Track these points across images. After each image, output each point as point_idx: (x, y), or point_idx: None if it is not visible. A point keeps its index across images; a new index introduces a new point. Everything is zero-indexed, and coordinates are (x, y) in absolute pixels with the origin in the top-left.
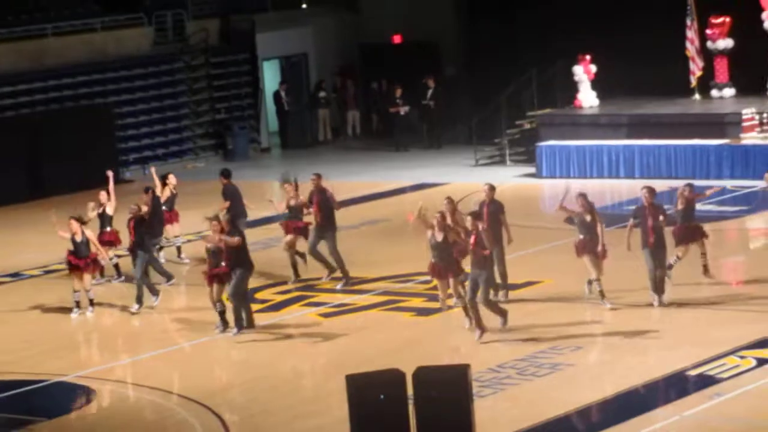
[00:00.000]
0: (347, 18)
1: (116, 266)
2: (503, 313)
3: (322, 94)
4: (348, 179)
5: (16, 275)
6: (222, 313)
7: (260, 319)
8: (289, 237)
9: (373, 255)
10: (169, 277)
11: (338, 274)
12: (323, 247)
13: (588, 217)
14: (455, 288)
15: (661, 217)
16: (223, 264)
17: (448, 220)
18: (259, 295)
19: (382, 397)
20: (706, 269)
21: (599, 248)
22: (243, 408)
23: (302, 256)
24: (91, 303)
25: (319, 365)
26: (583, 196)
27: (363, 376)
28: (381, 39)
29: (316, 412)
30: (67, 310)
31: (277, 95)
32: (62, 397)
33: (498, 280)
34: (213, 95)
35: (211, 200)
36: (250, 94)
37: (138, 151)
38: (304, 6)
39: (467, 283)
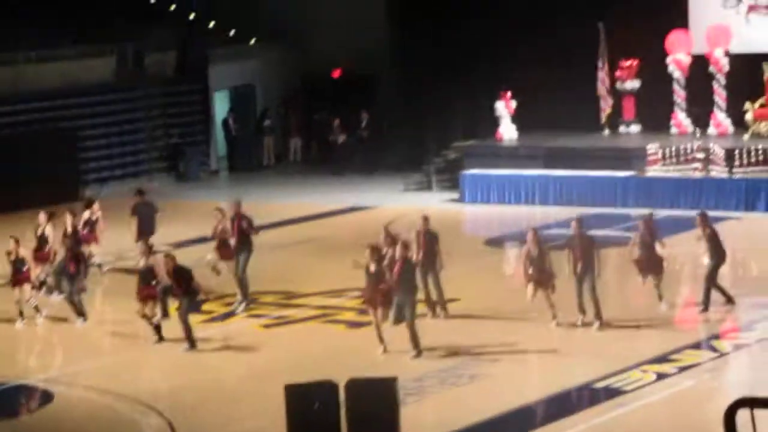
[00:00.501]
0: (291, 52)
1: (42, 283)
2: (417, 345)
3: (267, 122)
4: (288, 201)
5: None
6: (158, 327)
7: (206, 328)
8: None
9: (310, 271)
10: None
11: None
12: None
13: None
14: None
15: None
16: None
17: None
18: (205, 307)
19: (316, 406)
20: (661, 298)
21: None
22: (188, 410)
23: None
24: (37, 309)
25: (259, 372)
26: (533, 230)
27: (299, 386)
28: (322, 72)
29: (256, 415)
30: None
31: (225, 122)
32: (21, 399)
33: (435, 298)
34: (168, 121)
35: (161, 218)
36: (202, 121)
37: (97, 171)
38: (253, 41)
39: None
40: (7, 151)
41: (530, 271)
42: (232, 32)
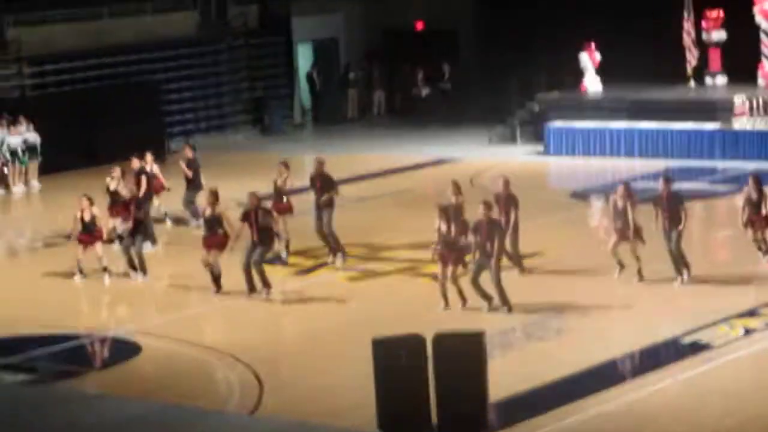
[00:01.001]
0: (374, 5)
1: (119, 236)
2: (508, 302)
3: (350, 75)
4: (373, 153)
5: (71, 237)
6: (217, 277)
7: (292, 281)
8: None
9: (395, 224)
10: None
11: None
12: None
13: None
14: (453, 273)
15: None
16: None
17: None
18: (291, 260)
19: (404, 359)
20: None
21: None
22: (274, 362)
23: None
24: (106, 270)
25: (345, 325)
26: (624, 184)
27: (386, 339)
28: (404, 25)
29: (343, 367)
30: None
31: (309, 76)
32: (110, 350)
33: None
34: (251, 74)
35: (245, 170)
36: (286, 74)
37: (182, 124)
38: None
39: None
40: (92, 105)
41: (617, 224)
42: None
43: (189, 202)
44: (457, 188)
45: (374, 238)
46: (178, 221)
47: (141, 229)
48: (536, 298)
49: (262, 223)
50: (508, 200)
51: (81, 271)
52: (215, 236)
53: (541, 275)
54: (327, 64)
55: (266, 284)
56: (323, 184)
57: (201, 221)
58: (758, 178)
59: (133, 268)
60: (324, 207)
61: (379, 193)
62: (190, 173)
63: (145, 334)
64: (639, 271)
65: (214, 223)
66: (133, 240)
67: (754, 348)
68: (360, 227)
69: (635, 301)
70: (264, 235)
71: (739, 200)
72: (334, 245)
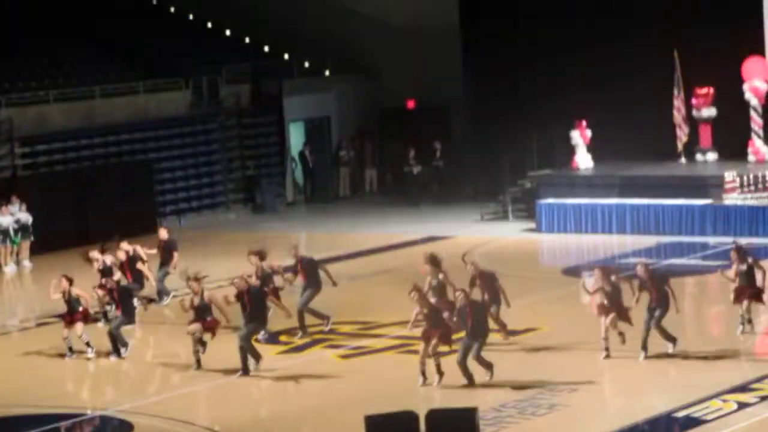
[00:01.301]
0: (366, 84)
1: (104, 315)
2: (490, 367)
3: (342, 153)
4: (365, 232)
5: (62, 316)
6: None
7: (284, 358)
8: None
9: (387, 301)
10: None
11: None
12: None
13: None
14: (435, 347)
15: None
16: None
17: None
18: (283, 338)
19: None
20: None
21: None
22: None
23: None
24: (88, 345)
25: (337, 403)
26: (600, 269)
27: (380, 416)
28: (396, 103)
29: None
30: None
31: (302, 154)
32: (102, 429)
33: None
34: (244, 153)
35: (236, 250)
36: (278, 152)
37: (174, 203)
38: (327, 73)
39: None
40: (84, 184)
41: (605, 303)
42: (306, 64)
43: (160, 280)
44: (435, 265)
45: (366, 315)
46: (151, 300)
47: (124, 310)
48: (528, 374)
49: (254, 301)
50: (484, 278)
51: (71, 350)
52: (204, 322)
53: (533, 352)
54: (319, 141)
55: (256, 356)
56: (306, 266)
57: (169, 299)
58: (741, 249)
59: (116, 347)
60: (307, 287)
61: (370, 271)
62: (160, 254)
63: (135, 414)
64: (622, 337)
65: (203, 311)
66: (117, 320)
67: (747, 423)
68: (352, 305)
69: (627, 377)
70: (256, 314)
71: (730, 274)
72: (300, 323)
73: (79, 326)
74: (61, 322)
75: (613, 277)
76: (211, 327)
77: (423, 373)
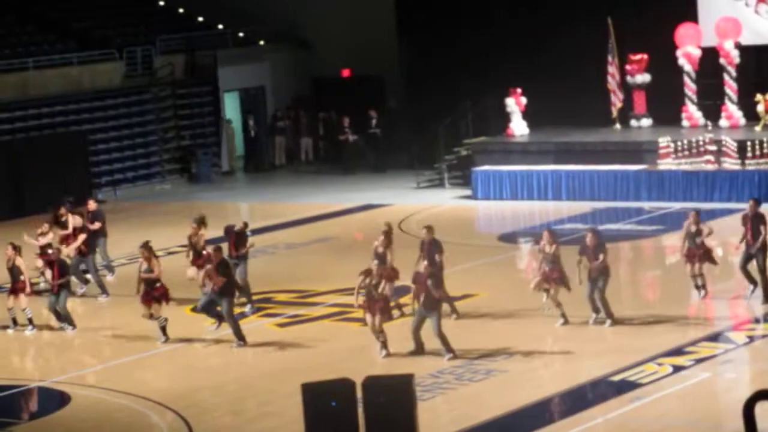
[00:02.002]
0: (301, 54)
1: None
2: (452, 349)
3: (279, 123)
4: (301, 201)
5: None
6: (164, 328)
7: (222, 328)
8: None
9: (324, 270)
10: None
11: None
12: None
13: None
14: (380, 324)
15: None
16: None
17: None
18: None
19: (334, 403)
20: (702, 288)
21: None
22: (206, 411)
23: None
24: (30, 321)
25: (275, 371)
26: (548, 231)
27: (317, 384)
28: (331, 73)
29: (273, 413)
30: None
31: (245, 123)
32: (40, 401)
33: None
34: (179, 123)
35: (173, 220)
36: (213, 122)
37: (110, 174)
38: (261, 43)
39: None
40: (19, 156)
41: (543, 268)
42: (241, 34)
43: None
44: (387, 237)
45: (303, 284)
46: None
47: (65, 284)
48: (465, 340)
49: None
50: (431, 246)
51: (14, 321)
52: (154, 290)
53: (470, 318)
54: (254, 111)
55: (242, 338)
56: (237, 239)
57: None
58: (698, 213)
59: (61, 320)
60: (240, 259)
61: (307, 240)
62: (93, 226)
63: (73, 384)
64: (563, 315)
65: (152, 280)
66: (57, 296)
67: (682, 385)
68: (289, 273)
69: (563, 343)
70: (225, 287)
71: (680, 235)
72: (246, 296)
73: (23, 299)
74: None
75: (554, 244)
76: (162, 295)
77: (381, 343)
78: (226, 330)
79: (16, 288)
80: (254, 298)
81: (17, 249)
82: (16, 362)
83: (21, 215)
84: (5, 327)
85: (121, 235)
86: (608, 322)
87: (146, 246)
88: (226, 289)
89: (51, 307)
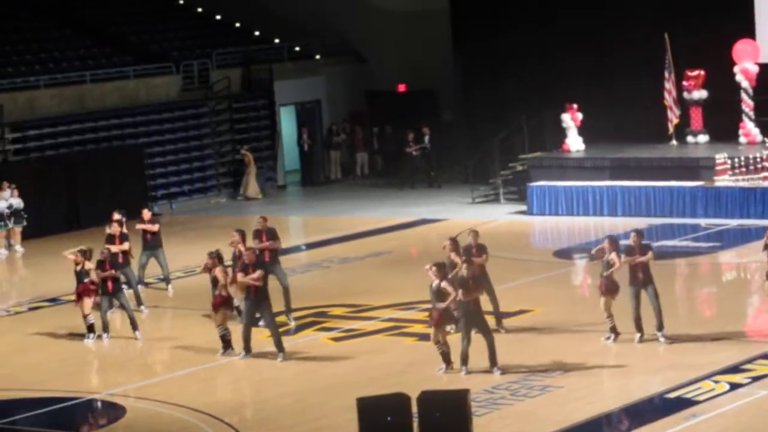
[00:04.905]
0: (356, 68)
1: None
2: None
3: (336, 137)
4: (356, 214)
5: (54, 300)
6: (224, 337)
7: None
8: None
9: (378, 284)
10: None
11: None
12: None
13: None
14: (442, 334)
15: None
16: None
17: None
18: (278, 319)
19: (389, 419)
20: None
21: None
22: (260, 424)
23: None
24: (90, 329)
25: (329, 385)
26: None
27: (372, 398)
28: (385, 87)
29: (328, 427)
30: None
31: (298, 137)
32: (95, 413)
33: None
34: (234, 137)
35: (227, 233)
36: (269, 136)
37: (165, 187)
38: (317, 57)
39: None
40: (75, 169)
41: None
42: (297, 48)
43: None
44: (455, 245)
45: (358, 298)
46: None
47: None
48: (520, 356)
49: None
50: (479, 250)
51: (91, 329)
52: (214, 298)
53: (525, 334)
54: (310, 125)
55: (281, 348)
56: (269, 237)
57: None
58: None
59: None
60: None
61: (362, 254)
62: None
63: (128, 397)
64: (613, 329)
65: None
66: (110, 302)
67: (739, 403)
68: (343, 288)
69: (618, 359)
70: (261, 293)
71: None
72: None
73: (87, 303)
74: (72, 302)
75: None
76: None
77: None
78: (286, 343)
79: (84, 291)
80: (310, 312)
81: (86, 253)
82: (70, 374)
83: (76, 228)
84: (81, 336)
85: (178, 247)
86: (661, 332)
87: (213, 254)
88: (263, 296)
89: (105, 311)
